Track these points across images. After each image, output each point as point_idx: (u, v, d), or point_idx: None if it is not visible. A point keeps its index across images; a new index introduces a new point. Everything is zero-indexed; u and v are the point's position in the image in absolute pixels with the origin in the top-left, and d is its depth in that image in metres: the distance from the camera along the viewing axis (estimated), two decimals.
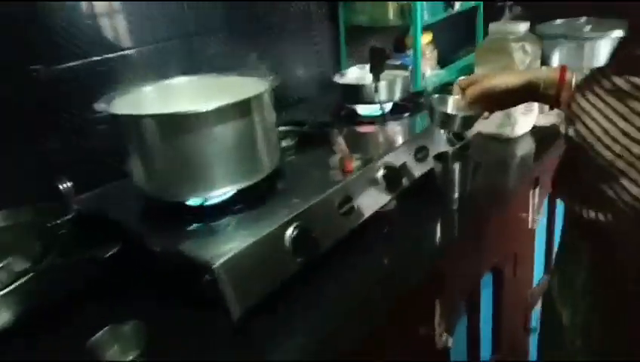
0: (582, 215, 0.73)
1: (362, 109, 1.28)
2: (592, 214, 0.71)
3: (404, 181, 1.03)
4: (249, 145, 0.84)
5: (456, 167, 1.02)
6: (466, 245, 1.05)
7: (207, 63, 1.24)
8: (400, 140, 1.10)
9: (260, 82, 0.90)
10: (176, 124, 0.78)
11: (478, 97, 0.90)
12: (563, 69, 0.83)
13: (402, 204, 1.06)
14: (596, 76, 0.69)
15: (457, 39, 2.01)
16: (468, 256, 1.08)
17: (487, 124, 1.37)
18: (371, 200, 0.97)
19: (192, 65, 1.20)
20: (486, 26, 1.49)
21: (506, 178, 1.25)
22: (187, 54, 1.23)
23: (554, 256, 0.93)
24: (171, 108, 0.81)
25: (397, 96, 1.24)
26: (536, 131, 1.41)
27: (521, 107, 1.33)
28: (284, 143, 1.13)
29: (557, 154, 1.36)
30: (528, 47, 1.28)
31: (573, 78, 0.82)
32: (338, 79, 1.30)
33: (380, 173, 0.99)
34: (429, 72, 1.71)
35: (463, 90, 0.92)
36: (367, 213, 0.96)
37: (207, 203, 0.86)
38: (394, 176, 1.00)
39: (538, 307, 1.52)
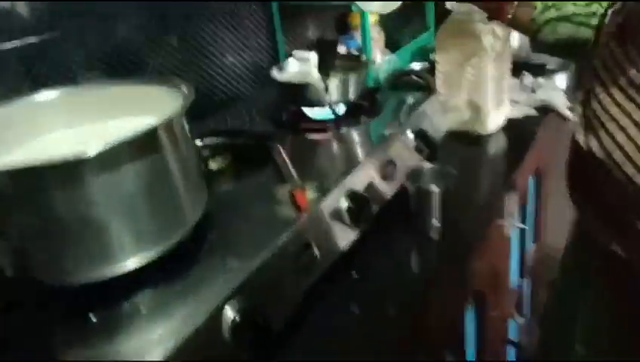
0: (599, 241, 0.58)
1: (309, 111, 1.03)
2: (616, 247, 0.56)
3: (373, 208, 0.80)
4: (160, 195, 0.58)
5: (435, 190, 0.80)
6: (448, 279, 0.85)
7: (95, 63, 0.94)
8: (361, 153, 0.87)
9: (168, 95, 0.64)
10: (42, 179, 0.51)
11: None
12: None
13: (371, 238, 0.83)
14: (618, 59, 0.51)
15: (404, 17, 1.79)
16: (450, 294, 0.89)
17: (455, 120, 1.17)
18: (335, 242, 0.74)
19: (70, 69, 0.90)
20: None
21: (481, 185, 1.06)
22: (60, 52, 0.92)
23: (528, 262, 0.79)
24: (34, 147, 0.53)
25: (351, 94, 1.01)
26: (509, 126, 1.23)
27: (491, 99, 1.14)
28: (212, 165, 0.87)
29: (533, 153, 1.22)
30: (499, 30, 1.09)
31: None
32: (277, 75, 1.04)
33: (343, 203, 0.76)
34: (379, 57, 1.49)
35: None
36: (329, 260, 0.73)
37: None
38: (360, 205, 0.77)
39: (516, 318, 1.38)
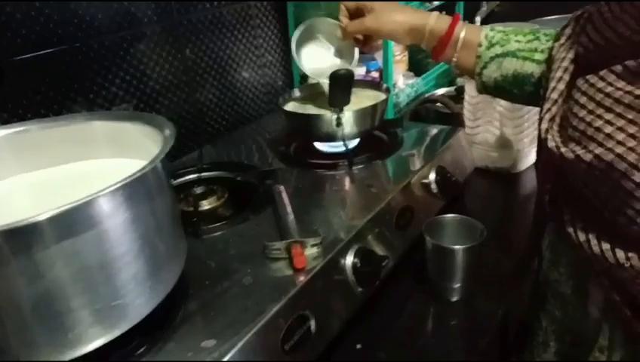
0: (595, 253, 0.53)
1: (320, 145, 0.93)
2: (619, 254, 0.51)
3: (383, 270, 0.69)
4: (129, 263, 0.48)
5: (457, 249, 0.69)
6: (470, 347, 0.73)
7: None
8: (375, 199, 0.76)
9: (147, 134, 0.54)
10: None
11: (358, 31, 0.78)
12: (455, 19, 0.72)
13: (378, 300, 0.72)
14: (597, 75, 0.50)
15: None
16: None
17: (484, 157, 1.05)
18: (337, 312, 0.64)
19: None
20: None
21: (511, 231, 0.94)
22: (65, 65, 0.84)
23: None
24: None
25: (367, 127, 0.90)
26: None
27: (526, 134, 1.02)
28: (205, 205, 0.78)
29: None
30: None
31: (462, 33, 0.71)
32: (284, 103, 0.94)
33: (349, 262, 0.66)
34: (401, 81, 1.38)
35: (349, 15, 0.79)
36: (329, 337, 0.62)
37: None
38: (370, 266, 0.66)
39: None
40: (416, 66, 1.51)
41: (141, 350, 0.51)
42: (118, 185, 0.45)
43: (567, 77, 0.56)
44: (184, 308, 0.56)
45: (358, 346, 0.66)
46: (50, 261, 0.43)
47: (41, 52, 0.80)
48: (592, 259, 0.53)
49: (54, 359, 0.46)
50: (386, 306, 0.72)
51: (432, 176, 0.86)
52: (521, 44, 0.68)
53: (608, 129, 0.47)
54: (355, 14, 0.79)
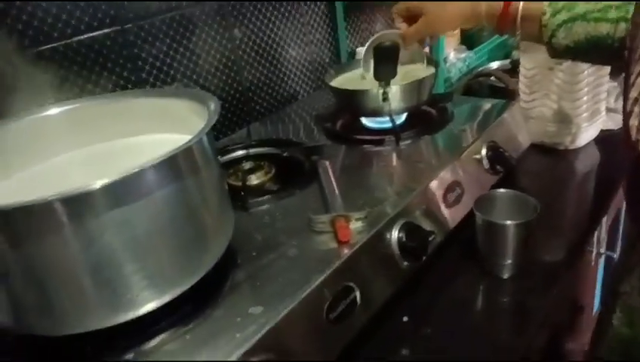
0: None
1: (367, 121, 0.92)
2: None
3: (430, 246, 0.68)
4: (179, 232, 0.50)
5: (509, 224, 0.67)
6: (519, 321, 0.71)
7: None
8: (422, 175, 0.75)
9: (193, 110, 0.55)
10: (38, 218, 0.43)
11: (416, 39, 0.79)
12: None
13: (427, 276, 0.71)
14: None
15: None
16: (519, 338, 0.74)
17: (540, 132, 1.01)
18: (382, 285, 0.63)
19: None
20: None
21: (566, 208, 0.90)
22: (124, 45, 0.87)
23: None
24: (37, 173, 0.46)
25: (414, 102, 0.88)
26: (603, 138, 1.04)
27: (585, 109, 0.97)
28: (253, 180, 0.79)
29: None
30: None
31: (520, 6, 0.69)
32: (331, 80, 0.94)
33: (395, 237, 0.65)
34: (453, 54, 1.34)
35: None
36: (374, 308, 0.62)
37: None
38: (416, 241, 0.65)
39: None
40: (469, 40, 1.46)
41: (188, 318, 0.53)
42: (165, 157, 0.46)
43: None
44: (232, 277, 0.58)
45: (405, 319, 0.65)
46: (102, 228, 0.45)
47: (95, 33, 0.83)
48: None
49: (108, 321, 0.48)
50: (434, 281, 0.71)
51: (484, 151, 0.83)
52: (589, 6, 0.64)
53: None
54: (410, 17, 0.78)
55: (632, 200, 0.53)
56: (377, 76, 0.80)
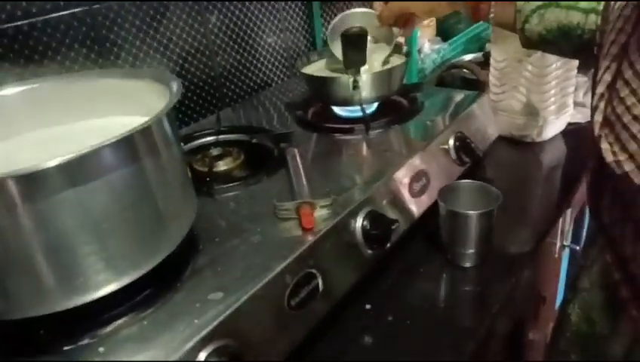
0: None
1: (338, 110, 0.92)
2: None
3: (394, 235, 0.68)
4: (138, 213, 0.49)
5: (472, 214, 0.68)
6: (480, 311, 0.72)
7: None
8: (390, 164, 0.75)
9: (155, 90, 0.54)
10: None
11: (393, 16, 0.79)
12: None
13: (390, 265, 0.72)
14: None
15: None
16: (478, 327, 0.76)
17: (508, 125, 1.02)
18: (345, 272, 0.64)
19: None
20: None
21: (531, 199, 0.92)
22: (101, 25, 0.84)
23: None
24: None
25: (385, 91, 0.88)
26: (570, 132, 1.06)
27: (552, 102, 0.98)
28: (221, 166, 0.78)
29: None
30: None
31: None
32: (303, 67, 0.93)
33: (359, 225, 0.65)
34: (427, 46, 1.34)
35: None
36: (336, 295, 0.62)
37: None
38: (379, 229, 0.66)
39: None
40: (444, 32, 1.47)
41: (146, 303, 0.52)
42: (122, 136, 0.45)
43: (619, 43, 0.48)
44: (193, 262, 0.58)
45: (368, 306, 0.66)
46: (57, 208, 0.44)
47: (62, 13, 0.81)
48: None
49: (63, 304, 0.47)
50: (398, 270, 0.72)
51: (451, 141, 0.84)
52: None
53: None
54: None
55: (594, 196, 0.54)
56: (346, 64, 0.80)
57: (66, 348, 0.48)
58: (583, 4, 0.64)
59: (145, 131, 0.47)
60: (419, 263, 0.74)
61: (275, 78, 1.25)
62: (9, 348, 0.49)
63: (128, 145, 0.47)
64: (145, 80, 0.56)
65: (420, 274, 0.72)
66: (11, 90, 0.57)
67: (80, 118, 0.57)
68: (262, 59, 1.20)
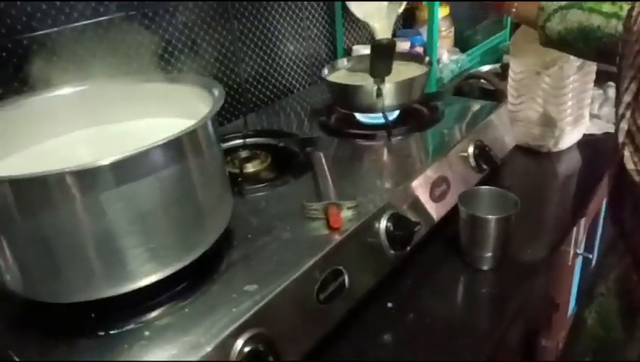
0: None
1: (360, 116, 0.96)
2: None
3: (416, 236, 0.71)
4: (181, 210, 0.53)
5: (491, 219, 0.70)
6: (497, 316, 0.75)
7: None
8: (411, 169, 0.78)
9: (197, 96, 0.58)
10: (48, 190, 0.46)
11: None
12: None
13: (412, 266, 0.75)
14: None
15: (478, 11, 1.65)
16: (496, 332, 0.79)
17: (525, 135, 1.05)
18: (369, 271, 0.67)
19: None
20: None
21: (546, 208, 0.94)
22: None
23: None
24: (45, 150, 0.49)
25: (407, 100, 0.92)
26: (586, 143, 1.09)
27: (569, 114, 1.01)
28: (249, 168, 0.82)
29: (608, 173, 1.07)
30: None
31: None
32: (328, 75, 0.97)
33: (382, 226, 0.68)
34: (446, 56, 1.37)
35: None
36: (361, 291, 0.65)
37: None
38: (402, 231, 0.69)
39: None
40: (462, 43, 1.50)
41: (185, 293, 0.56)
42: (172, 138, 0.49)
43: None
44: (228, 257, 0.61)
45: (390, 305, 0.69)
46: (109, 202, 0.48)
47: (99, 19, 0.86)
48: None
49: (111, 291, 0.51)
50: (418, 271, 0.75)
51: (471, 149, 0.87)
52: None
53: None
54: None
55: (614, 202, 0.56)
56: (373, 73, 0.83)
57: (112, 331, 0.51)
58: (605, 8, 0.65)
59: (192, 133, 0.51)
60: (438, 265, 0.76)
61: (298, 85, 1.28)
62: (62, 329, 0.53)
63: (176, 146, 0.51)
64: (187, 84, 0.60)
65: (439, 275, 0.75)
66: (67, 90, 0.61)
67: (128, 118, 0.61)
68: (285, 66, 1.24)
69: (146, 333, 0.51)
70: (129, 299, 0.52)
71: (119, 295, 0.51)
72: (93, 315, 0.52)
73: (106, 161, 0.46)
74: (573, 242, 1.04)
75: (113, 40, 0.87)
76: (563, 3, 0.68)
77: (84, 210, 0.48)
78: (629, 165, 0.47)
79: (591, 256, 1.08)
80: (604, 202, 1.22)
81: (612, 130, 1.11)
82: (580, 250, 1.10)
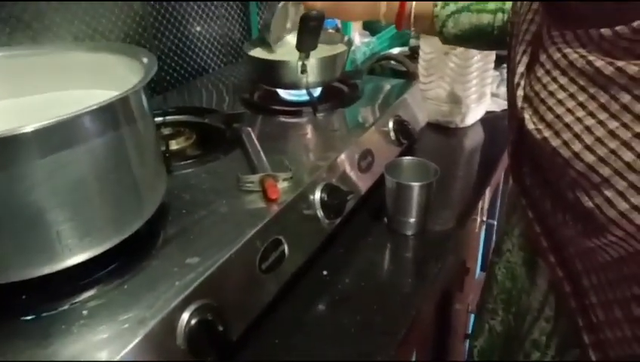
0: (546, 223, 0.56)
1: (284, 93, 0.96)
2: (566, 226, 0.53)
3: (348, 205, 0.74)
4: (114, 182, 0.50)
5: (415, 186, 0.75)
6: (420, 278, 0.80)
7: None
8: (339, 143, 0.81)
9: (127, 65, 0.55)
10: None
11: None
12: (402, 4, 0.80)
13: (342, 234, 0.78)
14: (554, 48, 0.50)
15: None
16: (421, 293, 0.84)
17: (435, 111, 1.12)
18: (307, 239, 0.68)
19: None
20: None
21: (456, 180, 1.02)
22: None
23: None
24: None
25: (329, 77, 0.94)
26: (487, 119, 1.19)
27: (473, 94, 1.10)
28: (174, 145, 0.79)
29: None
30: None
31: (413, 10, 0.80)
32: (250, 49, 0.96)
33: (317, 196, 0.70)
34: (358, 39, 1.42)
35: None
36: (301, 259, 0.67)
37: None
38: (336, 200, 0.71)
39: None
40: (368, 27, 1.55)
41: (124, 269, 0.54)
42: (103, 104, 0.46)
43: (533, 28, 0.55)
44: (164, 232, 0.59)
45: (325, 273, 0.71)
46: (33, 174, 0.44)
47: None
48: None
49: (42, 270, 0.48)
50: (348, 239, 0.78)
51: (391, 124, 0.91)
52: None
53: (561, 94, 0.48)
54: None
55: (515, 164, 0.62)
56: (300, 46, 0.84)
57: (44, 314, 0.48)
58: (490, 6, 0.74)
59: (124, 100, 0.48)
60: (366, 233, 0.80)
61: (213, 64, 1.26)
62: None
63: (108, 113, 0.48)
64: (115, 53, 0.57)
65: (369, 242, 0.78)
66: None
67: (50, 89, 0.56)
68: (200, 44, 1.20)
69: (84, 312, 0.48)
70: (63, 279, 0.49)
71: (52, 273, 0.48)
72: (24, 297, 0.48)
73: (28, 128, 0.42)
74: (479, 210, 1.14)
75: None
76: (454, 8, 0.77)
77: (5, 181, 0.44)
78: (530, 125, 0.52)
79: (495, 223, 1.19)
80: (503, 173, 1.34)
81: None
82: (485, 218, 1.20)
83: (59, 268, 0.48)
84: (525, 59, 0.56)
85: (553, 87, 0.49)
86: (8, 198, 0.44)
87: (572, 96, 0.47)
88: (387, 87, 1.06)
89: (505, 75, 1.30)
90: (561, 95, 0.48)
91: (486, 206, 1.19)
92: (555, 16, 0.51)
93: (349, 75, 1.04)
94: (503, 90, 1.28)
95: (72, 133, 0.46)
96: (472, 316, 1.37)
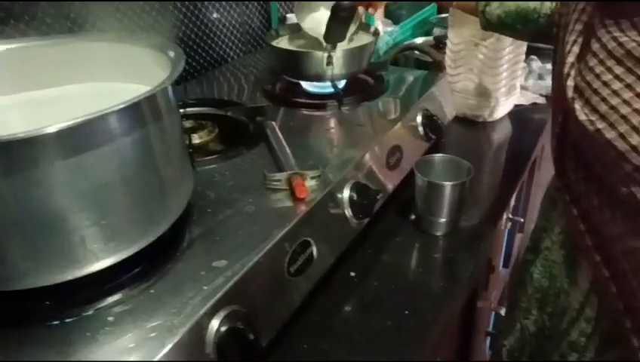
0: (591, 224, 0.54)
1: (307, 85, 0.93)
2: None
3: (377, 204, 0.71)
4: (139, 184, 0.48)
5: (447, 185, 0.72)
6: (450, 278, 0.77)
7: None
8: (367, 138, 0.77)
9: (151, 58, 0.52)
10: None
11: None
12: None
13: (370, 234, 0.75)
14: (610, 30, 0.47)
15: None
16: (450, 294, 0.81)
17: (462, 105, 1.08)
18: (335, 240, 0.66)
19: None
20: None
21: (484, 176, 0.98)
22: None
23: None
24: None
25: (355, 68, 0.90)
26: (515, 113, 1.14)
27: (503, 87, 1.05)
28: (196, 139, 0.77)
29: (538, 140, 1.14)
30: None
31: None
32: (272, 40, 0.93)
33: (346, 195, 0.67)
34: (381, 27, 1.37)
35: None
36: (329, 261, 0.64)
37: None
38: (365, 200, 0.68)
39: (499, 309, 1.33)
40: (391, 16, 1.51)
41: (150, 274, 0.51)
42: (130, 103, 0.43)
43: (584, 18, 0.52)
44: (189, 233, 0.57)
45: (352, 274, 0.68)
46: (55, 177, 0.42)
47: None
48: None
49: (66, 276, 0.45)
50: (376, 239, 0.75)
51: (419, 118, 0.88)
52: None
53: (616, 85, 0.45)
54: None
55: (559, 156, 0.59)
56: (328, 37, 0.80)
57: (68, 319, 0.46)
58: None
59: (151, 98, 0.45)
60: (394, 233, 0.77)
61: (232, 54, 1.22)
62: (11, 319, 0.46)
63: (136, 111, 0.45)
64: (139, 45, 0.54)
65: (397, 242, 0.75)
66: None
67: (72, 80, 0.53)
68: (219, 33, 1.17)
69: (109, 319, 0.46)
70: (87, 283, 0.47)
71: (76, 279, 0.45)
72: (47, 303, 0.46)
73: (51, 129, 0.40)
74: (508, 207, 1.10)
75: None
76: None
77: (26, 186, 0.41)
78: (582, 117, 0.49)
79: (522, 220, 1.16)
80: (527, 168, 1.30)
81: (539, 101, 1.18)
82: (511, 214, 1.17)
83: (83, 273, 0.46)
84: (576, 50, 0.53)
85: (607, 77, 0.47)
86: (31, 202, 0.42)
87: (629, 86, 0.45)
88: (412, 78, 1.02)
89: (533, 67, 1.26)
90: (617, 85, 0.46)
91: (513, 203, 1.15)
92: (610, 3, 0.47)
93: (374, 66, 1.00)
94: (531, 82, 1.24)
95: (97, 133, 0.43)
96: (493, 313, 1.34)
